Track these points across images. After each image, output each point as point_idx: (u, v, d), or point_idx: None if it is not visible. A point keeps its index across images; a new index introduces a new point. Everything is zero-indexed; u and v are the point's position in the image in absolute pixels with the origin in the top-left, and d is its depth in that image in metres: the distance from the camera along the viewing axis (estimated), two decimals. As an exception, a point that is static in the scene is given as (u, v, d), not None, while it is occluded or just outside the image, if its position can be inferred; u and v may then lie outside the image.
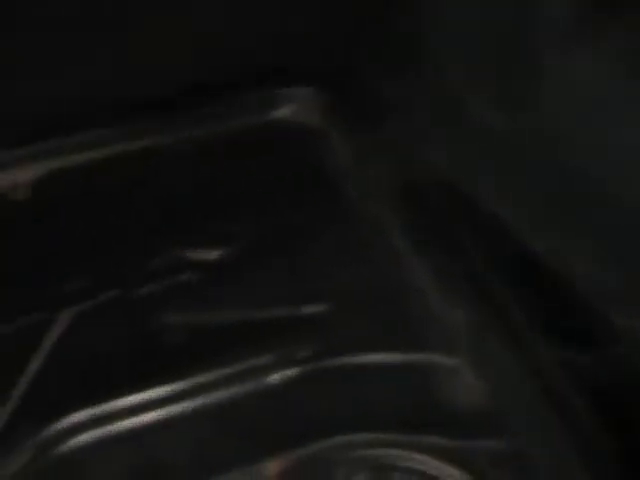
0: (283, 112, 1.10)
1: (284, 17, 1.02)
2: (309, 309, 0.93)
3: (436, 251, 0.96)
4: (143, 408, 0.88)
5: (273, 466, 0.92)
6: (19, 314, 0.93)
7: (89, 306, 0.94)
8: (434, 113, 1.02)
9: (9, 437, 0.84)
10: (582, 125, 0.88)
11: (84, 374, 0.89)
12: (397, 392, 0.91)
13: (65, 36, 1.01)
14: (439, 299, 0.94)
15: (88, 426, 0.86)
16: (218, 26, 1.04)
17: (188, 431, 0.89)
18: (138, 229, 1.02)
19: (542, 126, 0.92)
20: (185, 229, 1.02)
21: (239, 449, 0.91)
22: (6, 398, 0.86)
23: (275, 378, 0.89)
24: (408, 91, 1.02)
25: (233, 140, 1.08)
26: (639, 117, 0.84)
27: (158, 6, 1.00)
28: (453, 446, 0.89)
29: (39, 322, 0.93)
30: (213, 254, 0.99)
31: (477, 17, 0.97)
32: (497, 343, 0.91)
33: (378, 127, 1.06)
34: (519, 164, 0.97)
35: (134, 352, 0.91)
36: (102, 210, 1.03)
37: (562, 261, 0.91)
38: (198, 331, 0.93)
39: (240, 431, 0.90)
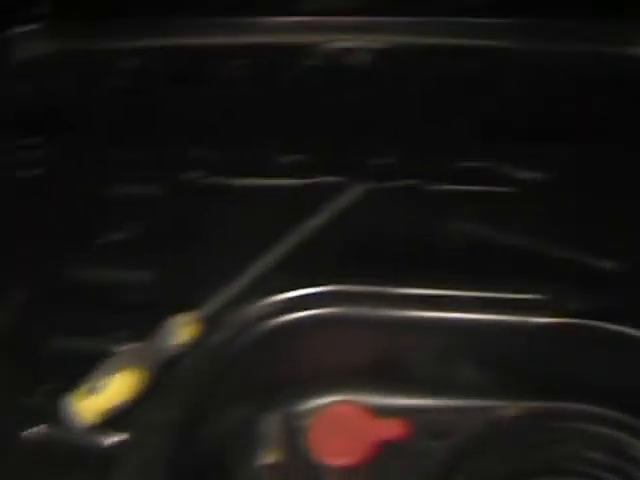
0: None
1: None
2: (600, 262, 0.86)
3: None
4: (395, 301, 0.85)
5: (506, 409, 0.88)
6: (318, 172, 0.94)
7: (385, 186, 0.93)
8: None
9: (257, 288, 0.86)
10: None
11: (352, 250, 0.88)
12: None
13: None
14: None
15: (334, 301, 0.86)
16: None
17: (434, 340, 0.87)
18: (458, 126, 0.98)
19: None
20: (508, 142, 0.97)
21: (478, 378, 0.87)
22: (269, 250, 0.87)
23: (538, 321, 0.83)
24: None
25: (586, 66, 1.01)
26: None
27: None
28: None
29: (333, 185, 0.93)
30: (525, 174, 0.94)
31: None
32: None
33: None
34: None
35: (406, 244, 0.88)
36: (429, 96, 1.01)
37: None
38: (477, 244, 0.88)
39: (484, 361, 0.87)
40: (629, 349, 0.83)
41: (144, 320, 0.84)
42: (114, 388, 0.79)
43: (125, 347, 0.83)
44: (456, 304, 0.85)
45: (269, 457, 0.88)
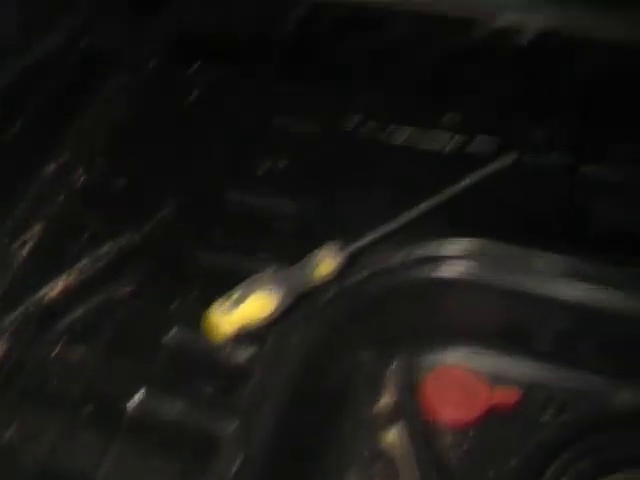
0: None
1: None
2: None
3: None
4: (533, 270, 0.86)
5: (624, 395, 0.88)
6: (474, 136, 0.95)
7: (538, 158, 0.92)
8: None
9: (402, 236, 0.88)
10: None
11: (505, 213, 0.90)
12: None
13: None
14: None
15: (474, 262, 0.87)
16: None
17: (563, 315, 0.87)
18: (623, 114, 0.96)
19: None
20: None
21: (601, 359, 0.88)
22: (419, 202, 0.88)
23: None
24: None
25: None
26: None
27: None
28: None
29: (488, 149, 0.94)
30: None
31: None
32: None
33: None
34: None
35: (551, 217, 0.89)
36: (597, 84, 0.99)
37: None
38: (622, 231, 0.88)
39: (610, 342, 0.87)
40: None
41: (290, 248, 0.87)
42: (251, 306, 0.83)
43: (268, 270, 0.85)
44: (592, 283, 0.85)
45: (383, 403, 0.91)
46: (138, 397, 0.82)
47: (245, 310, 0.82)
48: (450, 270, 0.87)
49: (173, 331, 0.85)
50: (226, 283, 0.84)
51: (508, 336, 0.91)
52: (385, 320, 0.89)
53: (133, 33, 1.09)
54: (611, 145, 0.94)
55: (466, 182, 0.91)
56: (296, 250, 0.86)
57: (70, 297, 0.89)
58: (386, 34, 1.06)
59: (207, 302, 0.84)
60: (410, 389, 0.90)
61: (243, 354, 0.83)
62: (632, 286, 0.84)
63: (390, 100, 0.99)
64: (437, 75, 1.01)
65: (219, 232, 0.91)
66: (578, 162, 0.93)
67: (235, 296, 0.83)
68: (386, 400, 0.90)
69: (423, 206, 0.89)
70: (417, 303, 0.89)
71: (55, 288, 0.89)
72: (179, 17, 1.11)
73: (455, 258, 0.88)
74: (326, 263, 0.85)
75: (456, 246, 0.88)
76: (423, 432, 0.89)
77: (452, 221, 0.89)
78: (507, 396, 0.89)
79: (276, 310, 0.83)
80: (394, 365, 0.91)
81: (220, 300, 0.83)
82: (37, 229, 0.94)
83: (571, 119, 0.96)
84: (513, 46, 1.04)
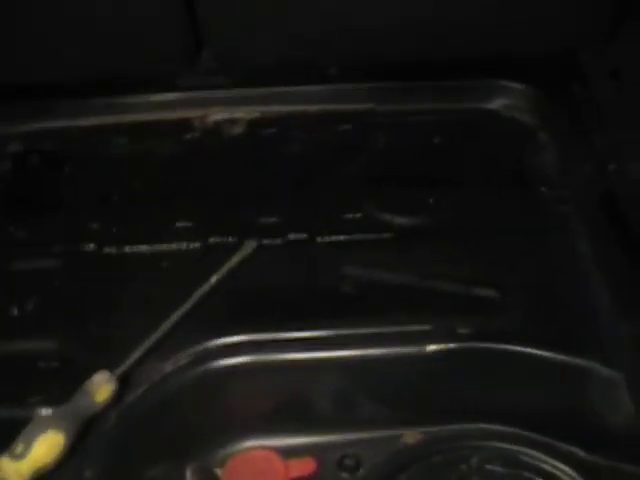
0: (495, 103, 1.13)
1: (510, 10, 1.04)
2: (478, 291, 0.94)
3: (618, 266, 0.95)
4: (297, 345, 0.91)
5: (408, 436, 0.94)
6: (211, 235, 1.00)
7: (276, 242, 1.00)
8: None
9: (166, 345, 0.91)
10: None
11: (253, 301, 0.94)
12: (546, 393, 0.91)
13: None
14: (608, 310, 0.92)
15: (241, 350, 0.91)
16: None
17: (333, 377, 0.93)
18: (338, 182, 1.06)
19: None
20: (385, 192, 1.05)
21: (379, 409, 0.94)
22: (173, 310, 0.92)
23: (429, 349, 0.91)
24: (629, 100, 1.02)
25: (444, 120, 1.11)
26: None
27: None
28: (592, 460, 0.89)
29: (227, 245, 0.99)
30: (403, 220, 1.02)
31: None
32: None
33: (586, 134, 1.06)
34: None
35: (303, 292, 0.95)
36: (310, 159, 1.08)
37: None
38: (368, 287, 0.95)
39: (384, 392, 0.93)
40: (514, 365, 0.91)
41: (61, 384, 0.88)
42: (37, 452, 0.82)
43: (43, 412, 0.86)
44: (350, 342, 0.91)
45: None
46: None
47: (34, 456, 0.82)
48: (220, 363, 0.90)
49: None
50: (7, 435, 0.83)
51: (290, 410, 0.95)
52: (170, 428, 0.91)
53: None
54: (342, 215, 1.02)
55: (212, 279, 0.95)
56: (68, 384, 0.87)
57: None
58: (104, 158, 1.10)
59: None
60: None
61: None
62: (387, 337, 0.91)
63: (121, 222, 1.02)
64: (163, 187, 1.06)
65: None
66: (313, 236, 1.00)
67: (20, 446, 0.82)
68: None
69: (180, 312, 0.92)
70: (196, 403, 0.91)
71: None
72: None
73: (222, 351, 0.91)
74: (101, 390, 0.86)
75: (220, 340, 0.91)
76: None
77: (211, 318, 0.93)
78: (303, 466, 0.92)
79: (64, 448, 0.83)
80: (189, 469, 0.91)
81: (6, 454, 0.82)
82: None
83: (297, 199, 1.04)
84: (227, 139, 1.12)
